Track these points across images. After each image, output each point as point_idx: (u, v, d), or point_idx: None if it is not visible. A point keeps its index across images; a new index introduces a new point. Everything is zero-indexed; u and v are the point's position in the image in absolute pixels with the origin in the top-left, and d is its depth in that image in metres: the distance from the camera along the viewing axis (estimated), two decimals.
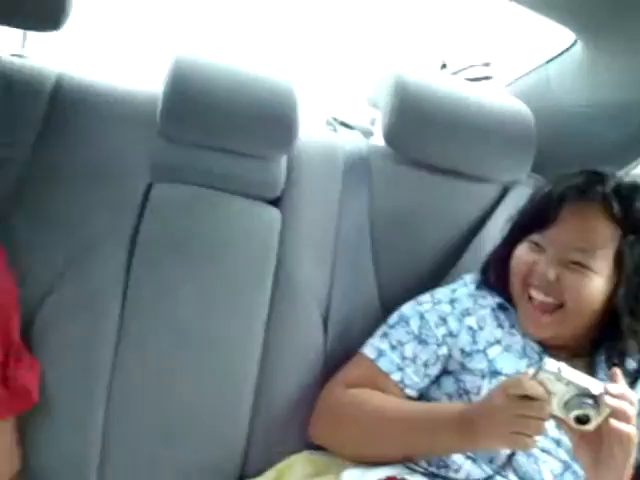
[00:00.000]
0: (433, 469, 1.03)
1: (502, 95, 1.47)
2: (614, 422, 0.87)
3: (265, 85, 1.22)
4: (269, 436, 1.19)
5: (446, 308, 1.15)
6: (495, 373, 1.08)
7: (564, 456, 1.04)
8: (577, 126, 1.54)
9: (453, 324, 1.13)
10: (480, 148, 1.34)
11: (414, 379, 1.11)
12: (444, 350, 1.12)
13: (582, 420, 0.88)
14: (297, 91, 1.24)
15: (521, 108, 1.38)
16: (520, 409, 0.89)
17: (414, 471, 1.03)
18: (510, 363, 1.09)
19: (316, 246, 1.26)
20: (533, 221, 1.12)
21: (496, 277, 1.18)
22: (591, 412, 0.87)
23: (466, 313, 1.14)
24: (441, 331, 1.13)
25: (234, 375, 1.19)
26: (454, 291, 1.18)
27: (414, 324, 1.14)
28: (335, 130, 1.42)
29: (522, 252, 1.12)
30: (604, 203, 1.07)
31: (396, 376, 1.11)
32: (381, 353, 1.12)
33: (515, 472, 1.02)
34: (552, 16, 1.35)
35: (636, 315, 1.07)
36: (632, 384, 1.15)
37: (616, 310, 1.07)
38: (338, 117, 1.47)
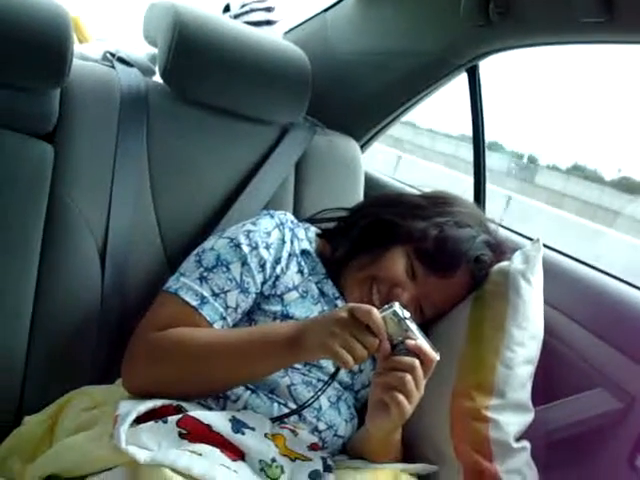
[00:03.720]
0: (210, 401, 1.05)
1: (280, 40, 1.51)
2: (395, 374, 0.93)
3: (35, 11, 1.15)
4: (47, 372, 1.17)
5: (264, 254, 1.13)
6: (287, 317, 1.12)
7: (338, 386, 1.14)
8: (349, 72, 1.64)
9: (269, 271, 1.13)
10: (257, 90, 1.37)
11: (230, 325, 1.10)
12: (258, 297, 1.13)
13: None
14: (70, 19, 1.18)
15: (298, 53, 1.42)
16: (357, 332, 0.92)
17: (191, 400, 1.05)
18: (304, 309, 1.13)
19: (92, 181, 1.23)
20: (426, 257, 1.14)
21: (339, 239, 1.22)
22: None
23: (278, 261, 1.15)
24: (260, 278, 1.12)
25: (7, 309, 1.15)
26: (269, 234, 1.15)
27: (236, 270, 1.10)
28: (112, 66, 1.37)
29: (399, 266, 1.14)
30: (478, 281, 1.18)
31: (218, 325, 1.08)
32: (204, 300, 1.07)
33: (294, 401, 1.08)
34: None
35: None
36: None
37: None
38: (116, 52, 1.42)
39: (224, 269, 1.10)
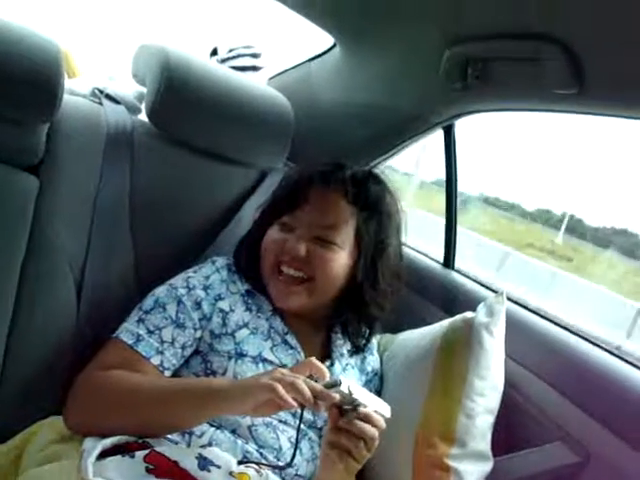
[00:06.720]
0: (175, 436, 1.06)
1: (264, 87, 1.55)
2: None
3: (28, 46, 1.17)
4: (18, 403, 1.16)
5: (201, 294, 1.17)
6: (241, 355, 1.14)
7: (301, 425, 1.12)
8: (331, 122, 1.68)
9: (207, 308, 1.17)
10: (240, 134, 1.41)
11: (172, 361, 1.13)
12: (199, 333, 1.16)
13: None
14: (62, 55, 1.20)
15: (281, 100, 1.47)
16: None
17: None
18: (255, 346, 1.16)
19: (74, 214, 1.25)
20: (283, 204, 1.23)
21: (247, 261, 1.25)
22: None
23: (219, 298, 1.19)
24: (197, 315, 1.16)
25: None
26: (207, 278, 1.20)
27: (171, 309, 1.15)
28: (100, 103, 1.40)
29: (273, 233, 1.21)
30: (342, 187, 1.21)
31: (156, 360, 1.11)
32: (139, 338, 1.11)
33: (255, 441, 1.10)
34: (311, 18, 1.45)
35: (375, 287, 1.22)
36: (362, 360, 1.30)
37: (357, 283, 1.21)
38: (104, 89, 1.45)
39: (160, 310, 1.15)
